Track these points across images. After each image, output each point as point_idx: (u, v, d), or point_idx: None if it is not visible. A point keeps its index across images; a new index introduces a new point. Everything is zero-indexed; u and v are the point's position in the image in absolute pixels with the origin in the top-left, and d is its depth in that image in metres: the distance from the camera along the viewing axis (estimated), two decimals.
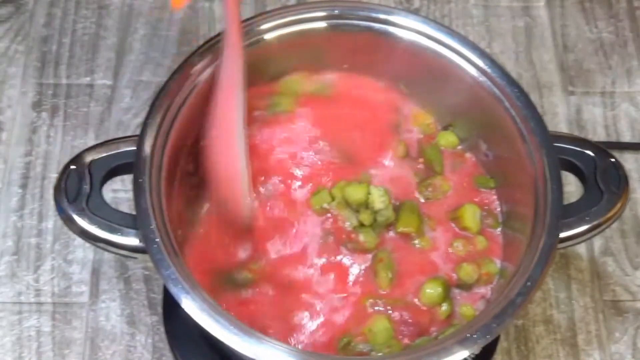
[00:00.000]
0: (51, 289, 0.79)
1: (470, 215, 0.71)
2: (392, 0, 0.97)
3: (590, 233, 0.66)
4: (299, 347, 0.65)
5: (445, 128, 0.75)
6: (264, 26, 0.71)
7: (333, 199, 0.70)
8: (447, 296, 0.68)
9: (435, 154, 0.74)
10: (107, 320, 0.78)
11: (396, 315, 0.67)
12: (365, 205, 0.69)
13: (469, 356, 0.60)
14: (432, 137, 0.75)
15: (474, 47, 0.71)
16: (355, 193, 0.69)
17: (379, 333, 0.66)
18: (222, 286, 0.68)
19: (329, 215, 0.70)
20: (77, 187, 0.64)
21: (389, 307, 0.67)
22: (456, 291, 0.69)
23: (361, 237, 0.69)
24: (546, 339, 0.79)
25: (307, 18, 0.71)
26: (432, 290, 0.67)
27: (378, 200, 0.69)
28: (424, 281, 0.68)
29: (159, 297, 0.79)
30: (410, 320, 0.67)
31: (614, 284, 0.82)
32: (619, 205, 0.66)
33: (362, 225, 0.69)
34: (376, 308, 0.67)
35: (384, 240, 0.70)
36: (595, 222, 0.66)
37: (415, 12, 0.76)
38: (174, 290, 0.59)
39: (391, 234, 0.70)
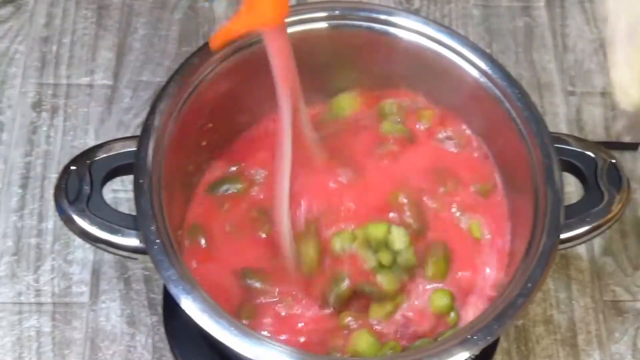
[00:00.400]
0: (51, 289, 0.79)
1: (477, 226, 0.70)
2: (392, 0, 0.97)
3: (591, 234, 0.66)
4: None
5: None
6: None
7: (355, 239, 0.67)
8: (454, 304, 0.67)
9: None
10: (107, 320, 0.78)
11: (399, 317, 0.67)
12: (385, 244, 0.67)
13: (469, 356, 0.60)
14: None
15: (475, 48, 0.71)
16: (376, 231, 0.66)
17: (364, 352, 0.65)
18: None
19: (348, 256, 0.66)
20: (77, 187, 0.64)
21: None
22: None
23: (379, 279, 0.65)
24: (546, 339, 0.79)
25: (307, 19, 0.71)
26: (440, 301, 0.67)
27: (398, 240, 0.66)
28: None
29: (159, 297, 0.79)
30: (412, 323, 0.67)
31: (614, 284, 0.82)
32: (619, 206, 0.66)
33: (381, 266, 0.66)
34: (353, 326, 0.66)
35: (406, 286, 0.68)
36: (595, 223, 0.66)
37: (416, 13, 0.76)
38: (175, 291, 0.59)
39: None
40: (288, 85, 0.67)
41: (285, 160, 0.66)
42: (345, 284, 0.65)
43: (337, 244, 0.66)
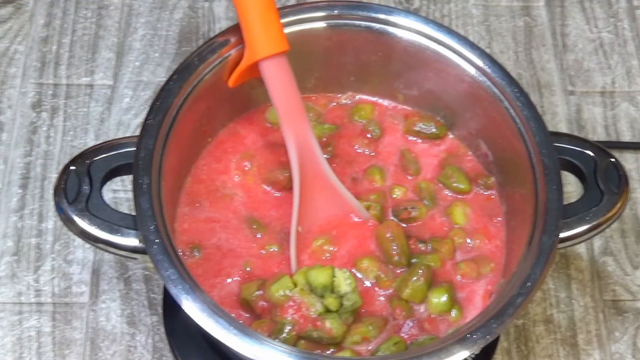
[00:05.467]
0: (51, 289, 0.79)
1: (462, 215, 0.71)
2: (392, 0, 0.97)
3: (591, 233, 0.66)
4: None
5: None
6: None
7: (295, 285, 0.65)
8: (454, 301, 0.67)
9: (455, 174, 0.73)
10: (107, 320, 0.78)
11: (400, 319, 0.67)
12: (331, 289, 0.65)
13: (469, 356, 0.60)
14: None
15: (474, 47, 0.71)
16: (319, 277, 0.65)
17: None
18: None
19: (291, 303, 0.65)
20: (77, 187, 0.64)
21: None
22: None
23: (327, 324, 0.64)
24: (546, 338, 0.79)
25: (307, 18, 0.71)
26: (438, 300, 0.67)
27: (344, 283, 0.65)
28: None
29: (159, 297, 0.79)
30: (417, 324, 0.67)
31: (614, 283, 0.82)
32: (619, 205, 0.66)
33: (328, 311, 0.64)
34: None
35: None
36: (595, 222, 0.66)
37: (415, 12, 0.76)
38: (174, 291, 0.59)
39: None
40: (290, 123, 0.68)
41: (295, 190, 0.68)
42: (288, 330, 0.64)
43: (277, 292, 0.65)
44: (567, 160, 0.68)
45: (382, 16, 0.72)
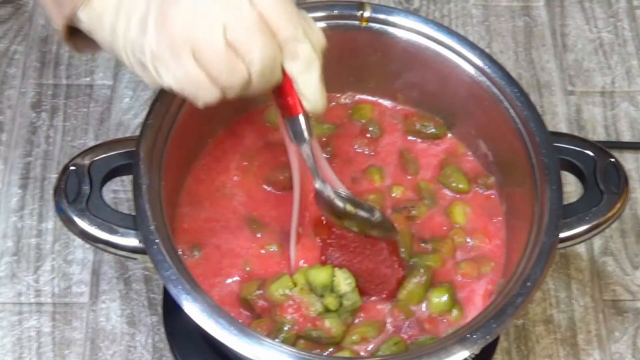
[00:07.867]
0: (51, 290, 0.79)
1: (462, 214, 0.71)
2: (391, 0, 0.97)
3: (590, 233, 0.66)
4: None
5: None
6: None
7: (295, 284, 0.65)
8: (454, 301, 0.67)
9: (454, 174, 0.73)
10: (107, 320, 0.78)
11: (400, 319, 0.67)
12: (330, 289, 0.65)
13: (469, 356, 0.60)
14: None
15: (474, 47, 0.71)
16: (319, 276, 0.65)
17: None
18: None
19: (291, 302, 0.65)
20: (76, 188, 0.64)
21: None
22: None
23: (327, 323, 0.64)
24: (546, 338, 0.79)
25: None
26: (439, 299, 0.67)
27: (343, 282, 0.65)
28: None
29: (159, 297, 0.79)
30: (416, 324, 0.67)
31: (614, 283, 0.82)
32: (618, 205, 0.66)
33: (327, 310, 0.64)
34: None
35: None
36: (595, 222, 0.66)
37: (415, 12, 0.76)
38: (174, 291, 0.59)
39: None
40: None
41: (295, 191, 0.67)
42: (287, 329, 0.64)
43: (277, 292, 0.65)
44: (567, 160, 0.68)
45: (381, 16, 0.72)
